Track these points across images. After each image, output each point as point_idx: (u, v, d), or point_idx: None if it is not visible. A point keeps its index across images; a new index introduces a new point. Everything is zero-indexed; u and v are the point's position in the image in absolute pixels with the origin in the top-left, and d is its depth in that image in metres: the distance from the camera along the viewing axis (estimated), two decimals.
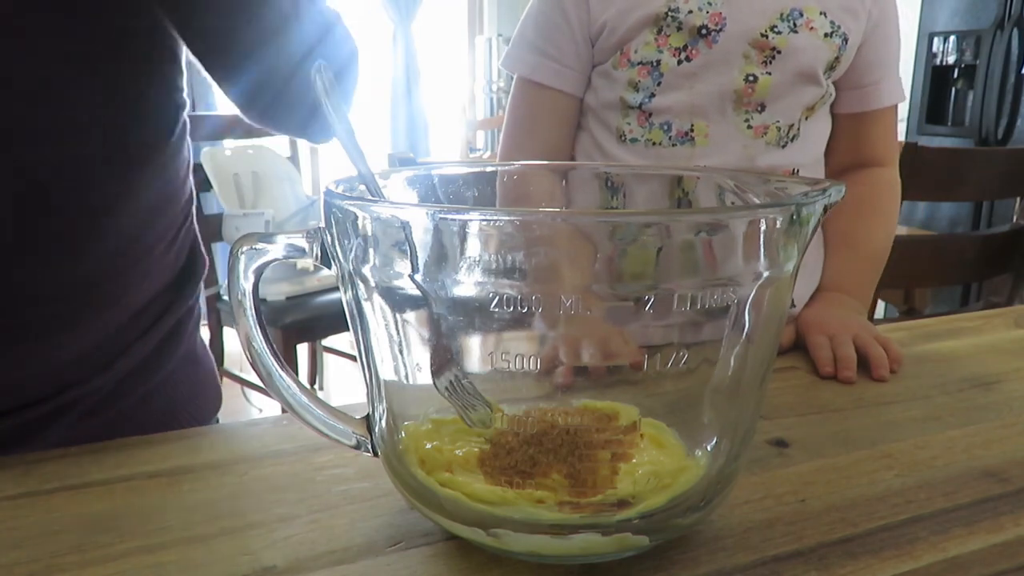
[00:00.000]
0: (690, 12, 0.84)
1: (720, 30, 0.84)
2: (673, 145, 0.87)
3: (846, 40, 0.87)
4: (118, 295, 0.62)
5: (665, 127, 0.87)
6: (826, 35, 0.86)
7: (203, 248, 0.73)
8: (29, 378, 0.58)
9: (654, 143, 0.87)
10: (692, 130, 0.86)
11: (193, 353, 0.73)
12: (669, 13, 0.85)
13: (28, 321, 0.56)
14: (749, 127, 0.86)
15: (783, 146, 0.88)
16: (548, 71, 0.91)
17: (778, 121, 0.87)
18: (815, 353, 0.70)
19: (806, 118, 0.89)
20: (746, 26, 0.84)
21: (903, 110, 3.45)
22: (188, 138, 0.68)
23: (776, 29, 0.84)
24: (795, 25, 0.85)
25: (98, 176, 0.56)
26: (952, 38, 3.19)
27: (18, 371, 0.57)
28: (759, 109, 0.86)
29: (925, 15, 3.28)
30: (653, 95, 0.86)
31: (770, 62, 0.85)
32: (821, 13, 0.86)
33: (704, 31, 0.84)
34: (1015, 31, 2.92)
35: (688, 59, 0.85)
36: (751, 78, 0.85)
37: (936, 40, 3.25)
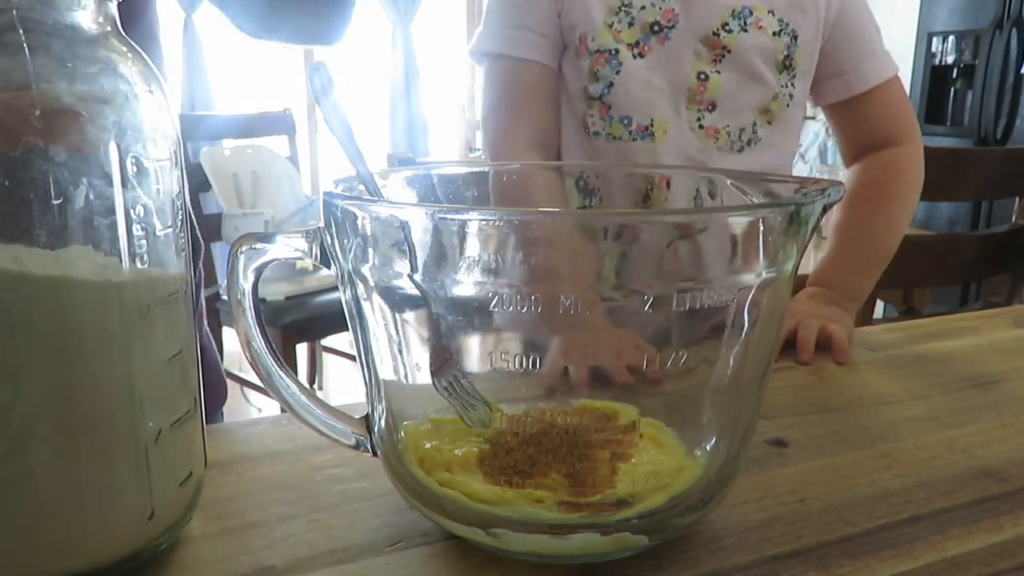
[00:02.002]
0: (643, 8, 0.84)
1: (672, 27, 0.84)
2: (633, 139, 0.86)
3: (795, 37, 0.87)
4: None
5: (625, 121, 0.86)
6: (774, 33, 0.86)
7: (199, 233, 0.72)
8: None
9: (615, 137, 0.87)
10: (652, 125, 0.86)
11: (199, 344, 0.72)
12: (623, 7, 0.85)
13: None
14: (701, 127, 0.86)
15: (739, 151, 0.88)
16: (527, 43, 0.87)
17: (728, 125, 0.86)
18: None
19: (769, 123, 0.88)
20: (698, 24, 0.85)
21: None
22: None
23: (727, 27, 0.85)
24: (745, 24, 0.85)
25: None
26: (951, 38, 3.19)
27: None
28: (710, 108, 0.86)
29: (924, 15, 3.28)
30: (611, 84, 0.86)
31: (720, 60, 0.85)
32: (769, 11, 0.86)
33: (656, 27, 0.84)
34: (1014, 31, 2.92)
35: (641, 55, 0.85)
36: (702, 76, 0.85)
37: (935, 40, 3.25)
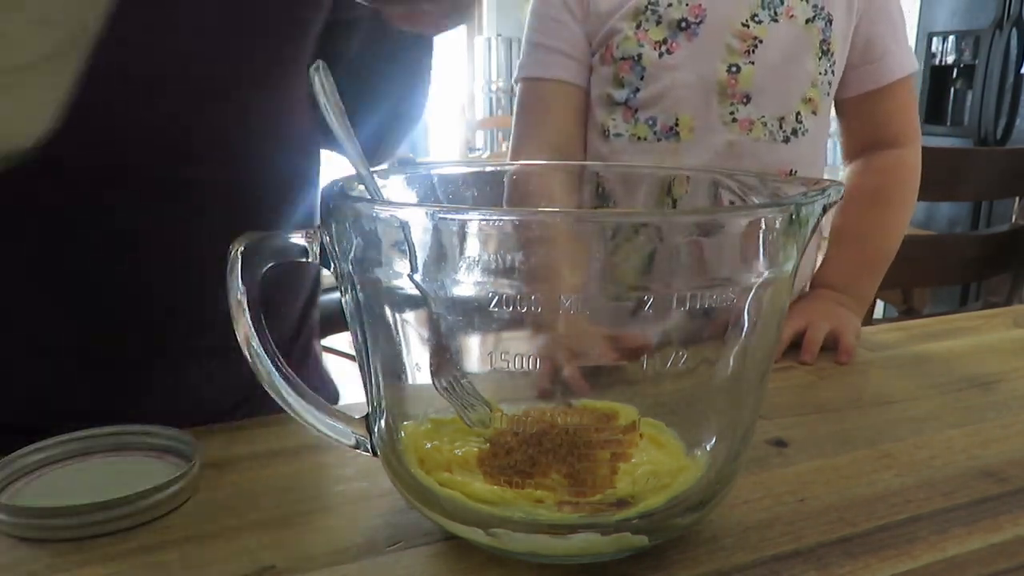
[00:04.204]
0: (669, 5, 0.84)
1: (700, 22, 0.84)
2: (658, 140, 0.86)
3: (830, 22, 0.86)
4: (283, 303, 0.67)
5: (650, 122, 0.86)
6: (808, 20, 0.85)
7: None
8: (220, 391, 0.62)
9: (639, 138, 0.87)
10: (677, 124, 0.86)
11: (316, 355, 0.78)
12: (649, 6, 0.85)
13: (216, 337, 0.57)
14: (734, 120, 0.85)
15: (784, 140, 0.86)
16: (547, 63, 0.90)
17: (763, 116, 0.86)
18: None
19: (813, 112, 0.87)
20: (727, 17, 0.84)
21: None
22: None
23: (757, 18, 0.84)
24: (775, 13, 0.84)
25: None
26: (951, 38, 3.19)
27: (208, 385, 0.61)
28: (744, 101, 0.85)
29: (924, 15, 3.28)
30: (638, 89, 0.86)
31: (752, 51, 0.84)
32: None
33: (683, 24, 0.84)
34: (1014, 31, 2.92)
35: (669, 52, 0.85)
36: (734, 68, 0.84)
37: (935, 40, 3.25)
